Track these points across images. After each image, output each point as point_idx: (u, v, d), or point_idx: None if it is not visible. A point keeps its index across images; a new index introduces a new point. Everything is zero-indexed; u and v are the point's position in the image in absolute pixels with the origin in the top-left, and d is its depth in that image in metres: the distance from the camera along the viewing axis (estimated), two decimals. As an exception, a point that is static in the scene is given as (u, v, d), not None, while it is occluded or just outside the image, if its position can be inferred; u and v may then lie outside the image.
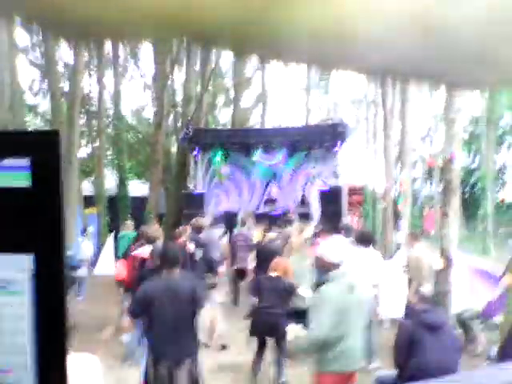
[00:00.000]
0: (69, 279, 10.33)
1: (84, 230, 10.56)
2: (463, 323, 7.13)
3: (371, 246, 6.86)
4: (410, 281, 6.94)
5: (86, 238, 10.18)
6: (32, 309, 0.86)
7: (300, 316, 5.19)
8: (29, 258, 0.85)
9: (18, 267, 0.86)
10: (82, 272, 9.93)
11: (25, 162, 0.84)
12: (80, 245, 10.18)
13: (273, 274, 5.92)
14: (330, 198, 14.34)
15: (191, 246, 7.25)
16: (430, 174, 32.35)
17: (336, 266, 4.05)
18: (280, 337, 5.80)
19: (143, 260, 6.63)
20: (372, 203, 21.92)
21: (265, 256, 7.64)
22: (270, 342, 6.04)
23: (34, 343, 0.87)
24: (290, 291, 5.85)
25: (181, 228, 9.13)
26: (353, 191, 23.35)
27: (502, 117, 27.97)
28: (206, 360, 6.85)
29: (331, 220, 11.38)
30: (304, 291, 6.17)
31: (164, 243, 5.02)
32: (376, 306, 6.74)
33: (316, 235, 9.09)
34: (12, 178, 0.84)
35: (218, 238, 9.19)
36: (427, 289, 4.90)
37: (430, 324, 4.37)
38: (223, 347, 7.44)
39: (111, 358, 6.47)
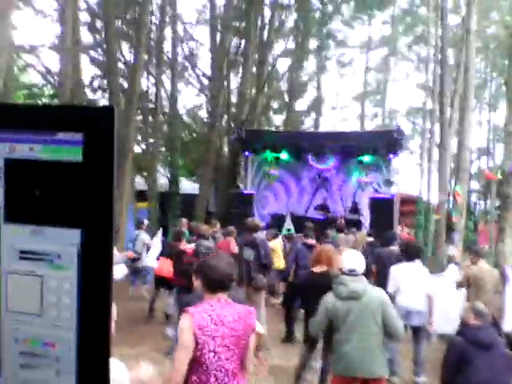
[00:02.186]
0: (132, 269, 10.55)
1: (141, 223, 10.86)
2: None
3: (418, 260, 6.59)
4: (468, 297, 6.65)
5: (142, 230, 10.49)
6: (78, 284, 0.86)
7: None
8: (77, 232, 0.85)
9: (66, 241, 0.86)
10: (145, 261, 10.08)
11: (78, 136, 0.84)
12: (138, 236, 10.43)
13: (317, 268, 5.76)
14: (382, 207, 14.06)
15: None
16: (487, 187, 31.23)
17: (343, 273, 4.40)
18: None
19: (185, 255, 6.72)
20: (425, 214, 21.33)
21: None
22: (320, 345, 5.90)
23: (78, 319, 0.87)
24: None
25: (229, 228, 9.18)
26: (406, 201, 22.88)
27: None
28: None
29: (381, 228, 11.13)
30: None
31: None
32: (425, 320, 6.54)
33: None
34: (65, 152, 0.84)
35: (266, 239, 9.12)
36: (482, 306, 4.67)
37: (482, 342, 4.19)
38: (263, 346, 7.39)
39: (155, 351, 6.56)
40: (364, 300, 4.22)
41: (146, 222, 11.40)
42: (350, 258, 4.52)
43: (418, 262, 6.54)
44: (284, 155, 17.27)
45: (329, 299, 4.36)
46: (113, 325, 2.64)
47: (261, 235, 9.14)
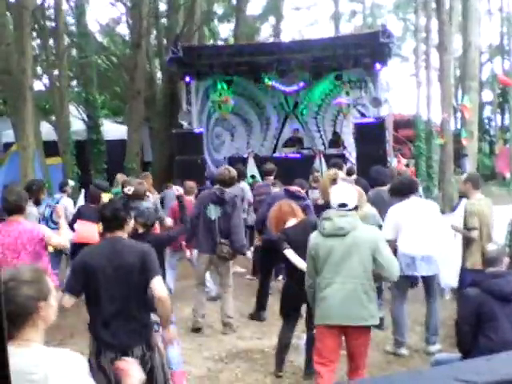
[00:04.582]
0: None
1: (63, 185, 10.65)
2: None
3: (413, 195, 6.70)
4: (466, 240, 6.81)
5: (64, 195, 10.27)
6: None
7: None
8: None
9: None
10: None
11: None
12: (59, 202, 10.28)
13: (293, 220, 5.94)
14: (370, 134, 14.18)
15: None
16: (504, 97, 31.82)
17: (324, 209, 4.77)
18: None
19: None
20: (427, 139, 21.73)
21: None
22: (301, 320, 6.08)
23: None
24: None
25: (189, 183, 9.23)
26: (401, 124, 23.21)
27: None
28: (215, 346, 7.03)
29: (371, 162, 11.28)
30: None
31: (108, 202, 5.07)
32: (438, 270, 6.68)
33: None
34: None
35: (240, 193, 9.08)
36: (494, 247, 4.87)
37: (505, 292, 4.37)
38: (230, 329, 7.54)
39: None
40: (350, 238, 4.47)
41: (71, 182, 11.22)
42: (340, 192, 4.75)
43: (414, 198, 6.73)
44: (237, 77, 17.09)
45: (312, 237, 4.70)
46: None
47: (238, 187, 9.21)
